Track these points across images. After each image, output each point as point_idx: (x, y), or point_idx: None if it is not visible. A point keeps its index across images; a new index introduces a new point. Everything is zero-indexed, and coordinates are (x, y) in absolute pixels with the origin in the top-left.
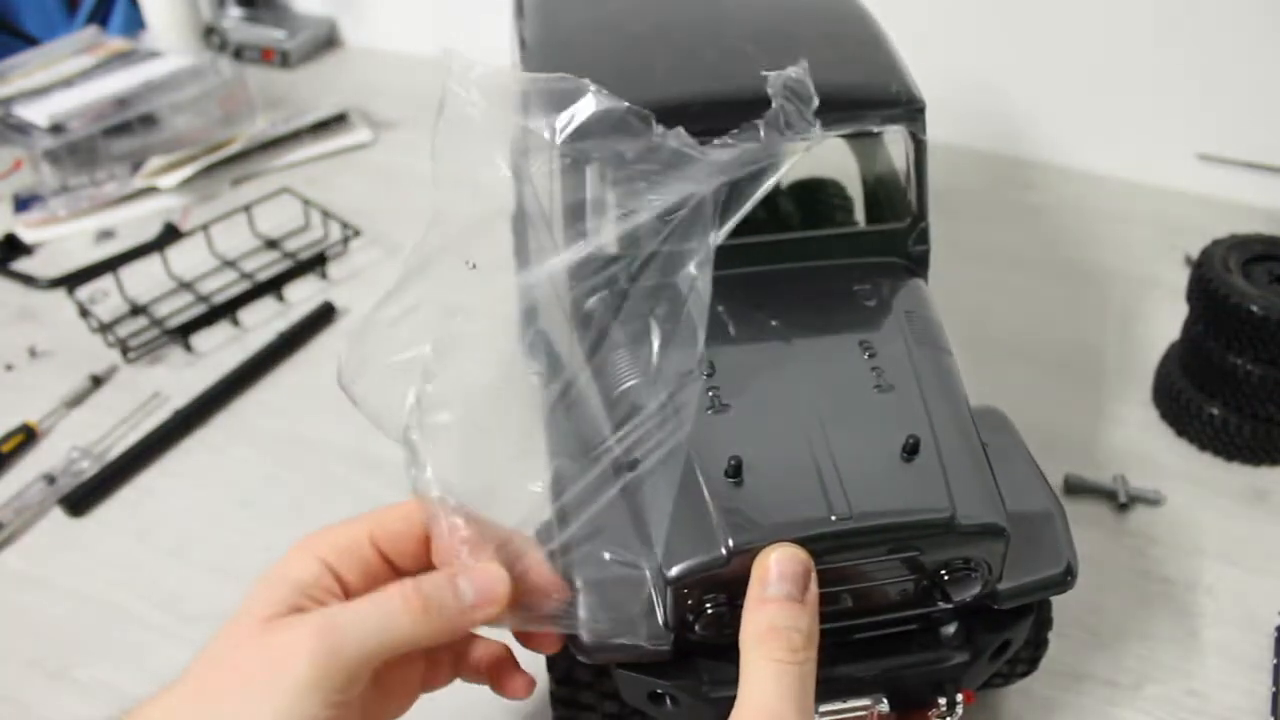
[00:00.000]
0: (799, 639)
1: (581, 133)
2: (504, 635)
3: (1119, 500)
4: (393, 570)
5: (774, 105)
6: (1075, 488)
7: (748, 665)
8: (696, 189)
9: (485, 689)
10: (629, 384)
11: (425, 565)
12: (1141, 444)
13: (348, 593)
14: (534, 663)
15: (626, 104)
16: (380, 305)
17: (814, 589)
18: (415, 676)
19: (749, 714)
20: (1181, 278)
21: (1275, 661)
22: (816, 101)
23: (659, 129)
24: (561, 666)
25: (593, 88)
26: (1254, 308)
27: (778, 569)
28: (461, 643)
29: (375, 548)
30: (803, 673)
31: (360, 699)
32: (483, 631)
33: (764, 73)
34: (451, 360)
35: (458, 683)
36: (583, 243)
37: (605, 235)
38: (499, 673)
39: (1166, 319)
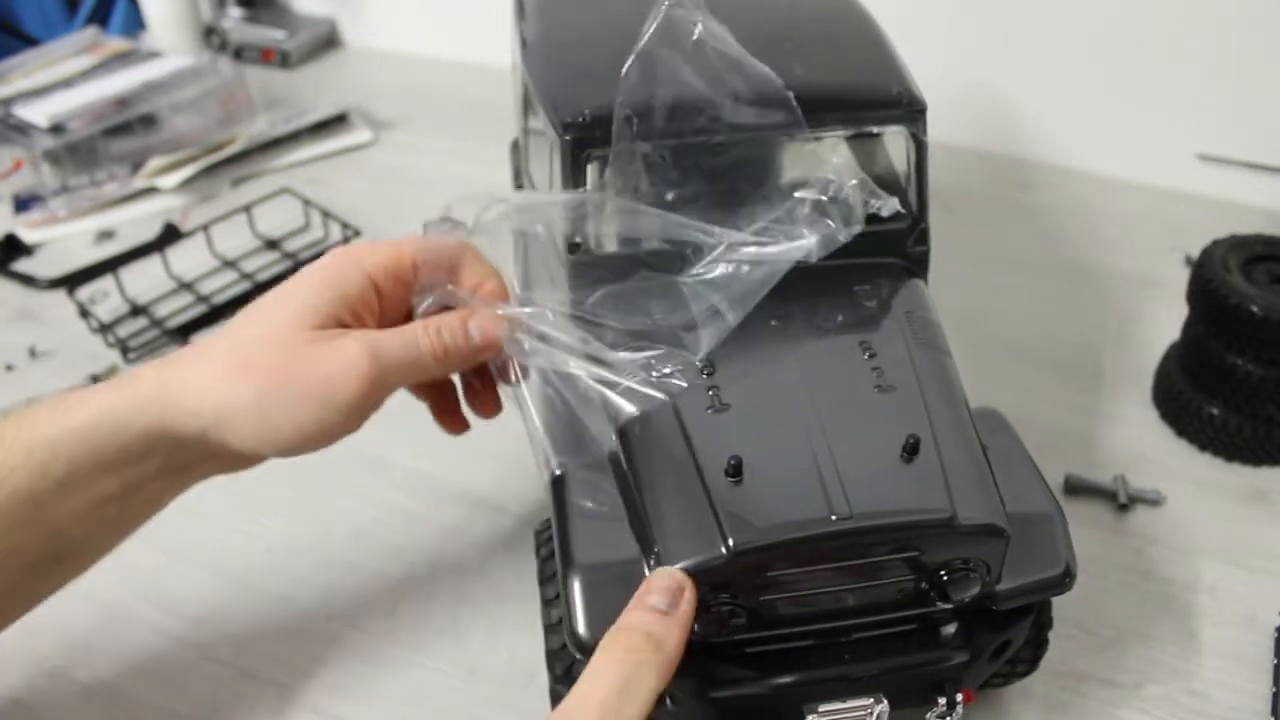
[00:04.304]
0: (638, 639)
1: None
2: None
3: (1119, 500)
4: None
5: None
6: (1075, 488)
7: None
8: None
9: (483, 685)
10: (630, 383)
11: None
12: (1141, 444)
13: (382, 310)
14: (534, 669)
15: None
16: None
17: (685, 607)
18: None
19: (563, 700)
20: (1181, 278)
21: (1275, 662)
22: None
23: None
24: (561, 664)
25: None
26: (1254, 308)
27: (652, 583)
28: None
29: (413, 269)
30: (630, 671)
31: None
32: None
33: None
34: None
35: (458, 683)
36: (583, 241)
37: (606, 233)
38: (441, 398)
39: (1166, 319)
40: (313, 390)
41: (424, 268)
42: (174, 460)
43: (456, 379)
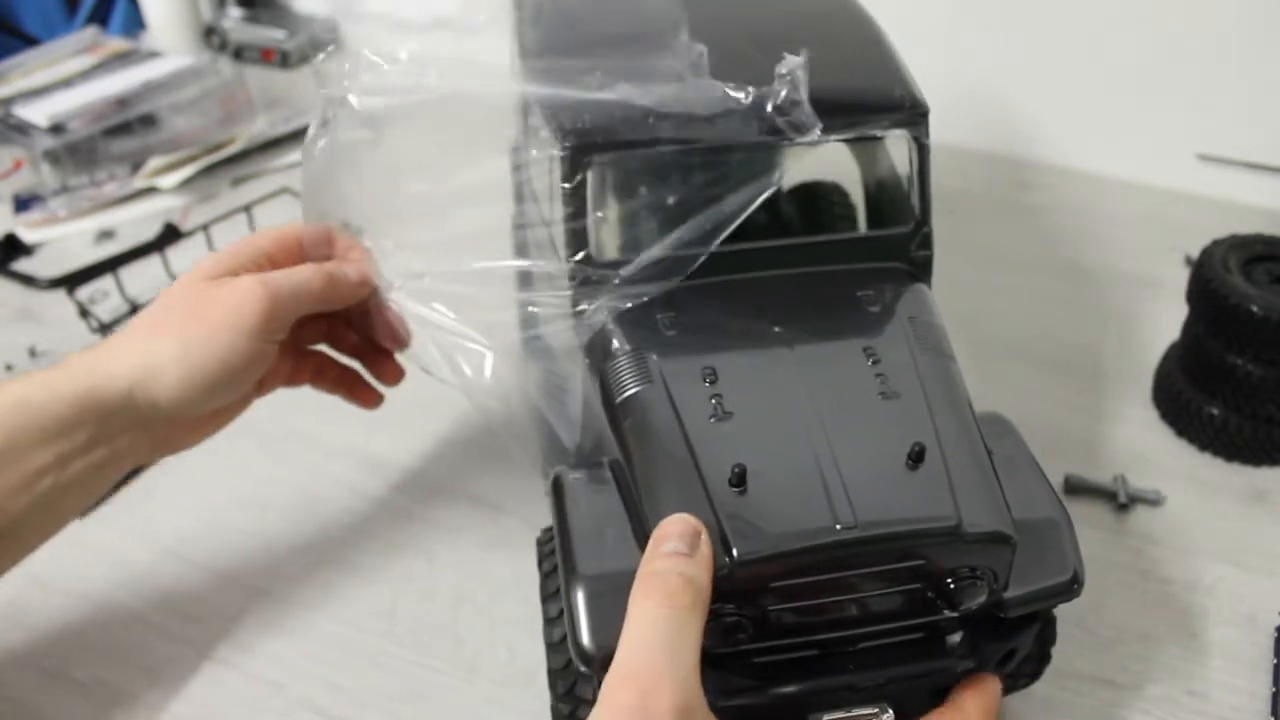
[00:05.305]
0: (676, 582)
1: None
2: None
3: (1119, 500)
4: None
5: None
6: (1075, 488)
7: (627, 615)
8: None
9: (483, 685)
10: (631, 391)
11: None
12: (1141, 444)
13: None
14: (534, 669)
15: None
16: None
17: (705, 549)
18: (285, 367)
19: (614, 663)
20: (1181, 278)
21: (1275, 661)
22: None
23: None
24: (564, 681)
25: None
26: (1254, 308)
27: (666, 531)
28: (322, 357)
29: (299, 243)
30: (677, 619)
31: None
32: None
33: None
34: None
35: (458, 682)
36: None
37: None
38: (350, 385)
39: (1166, 319)
40: (225, 320)
41: (307, 241)
42: (103, 429)
43: (359, 366)
